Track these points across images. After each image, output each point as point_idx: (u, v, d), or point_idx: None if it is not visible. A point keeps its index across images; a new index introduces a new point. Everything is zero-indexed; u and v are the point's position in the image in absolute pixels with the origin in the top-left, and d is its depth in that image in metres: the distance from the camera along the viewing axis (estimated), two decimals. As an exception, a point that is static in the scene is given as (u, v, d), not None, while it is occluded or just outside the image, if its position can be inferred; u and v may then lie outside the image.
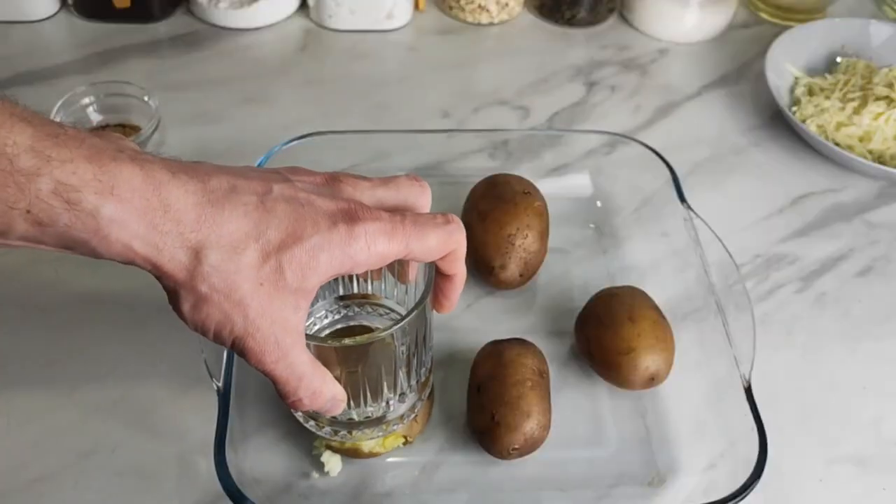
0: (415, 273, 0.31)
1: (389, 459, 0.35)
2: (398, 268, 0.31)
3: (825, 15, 0.63)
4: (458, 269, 0.28)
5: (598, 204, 0.47)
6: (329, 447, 0.34)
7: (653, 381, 0.37)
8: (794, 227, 0.48)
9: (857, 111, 0.51)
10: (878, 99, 0.51)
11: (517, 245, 0.40)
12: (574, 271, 0.44)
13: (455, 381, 0.38)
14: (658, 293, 0.39)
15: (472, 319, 0.41)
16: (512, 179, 0.42)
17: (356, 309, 0.33)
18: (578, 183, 0.47)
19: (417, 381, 0.32)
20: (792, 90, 0.55)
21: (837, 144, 0.51)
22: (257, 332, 0.24)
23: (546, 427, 0.34)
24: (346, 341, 0.27)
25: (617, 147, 0.46)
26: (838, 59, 0.57)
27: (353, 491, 0.35)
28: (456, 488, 0.35)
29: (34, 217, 0.21)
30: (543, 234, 0.41)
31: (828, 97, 0.53)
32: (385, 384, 0.30)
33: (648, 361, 0.36)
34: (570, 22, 0.62)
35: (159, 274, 0.24)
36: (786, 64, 0.55)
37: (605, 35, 0.62)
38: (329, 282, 0.25)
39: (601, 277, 0.43)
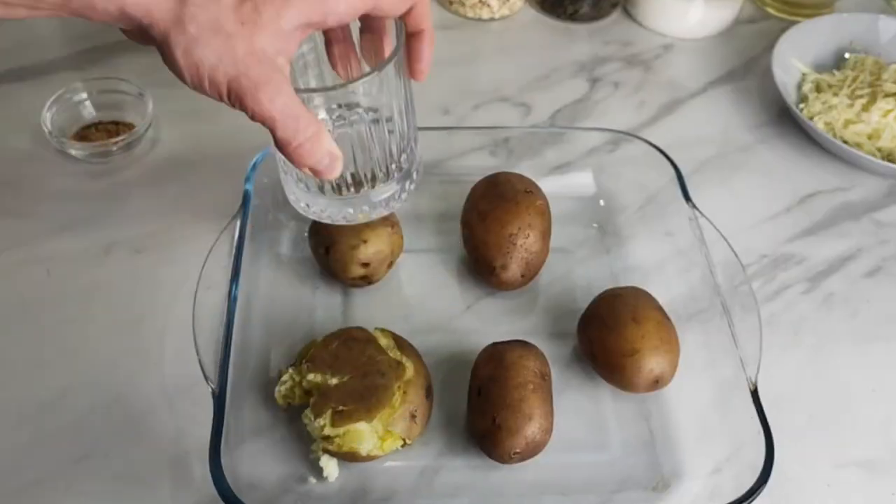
0: (390, 49, 0.31)
1: (388, 463, 0.35)
2: (373, 51, 0.32)
3: (833, 10, 0.62)
4: (426, 24, 0.30)
5: (602, 203, 0.46)
6: (326, 451, 0.34)
7: (657, 383, 0.36)
8: (801, 227, 0.47)
9: (865, 108, 0.50)
10: (887, 96, 0.50)
11: (518, 245, 0.39)
12: (577, 271, 0.43)
13: (455, 383, 0.37)
14: (662, 294, 0.39)
15: (472, 320, 0.41)
16: (513, 178, 0.42)
17: (348, 114, 0.33)
18: (581, 181, 0.46)
19: (401, 162, 0.33)
20: (799, 87, 0.54)
21: (845, 142, 0.50)
22: (249, 70, 0.25)
23: (548, 430, 0.34)
24: (335, 84, 0.29)
25: (620, 145, 0.45)
26: (846, 56, 0.56)
27: (351, 496, 0.34)
28: (456, 493, 0.34)
29: None
30: (545, 234, 0.41)
31: (836, 94, 0.52)
32: (373, 154, 0.31)
33: (653, 363, 0.35)
34: (573, 17, 0.61)
35: (149, 21, 0.25)
36: (793, 60, 0.54)
37: (608, 30, 0.61)
38: (317, 81, 0.28)
39: (604, 278, 0.43)
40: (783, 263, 0.45)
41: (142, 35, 0.26)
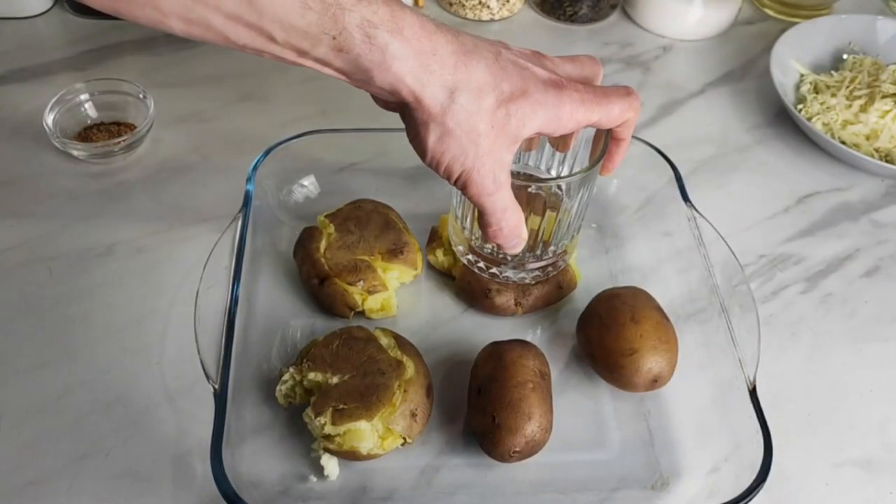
0: (574, 145, 0.36)
1: (388, 462, 0.35)
2: (560, 140, 0.36)
3: (831, 11, 0.62)
4: (629, 135, 0.34)
5: (601, 203, 0.46)
6: (327, 449, 0.34)
7: (656, 382, 0.36)
8: (799, 227, 0.47)
9: (863, 109, 0.50)
10: (885, 96, 0.50)
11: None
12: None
13: (455, 382, 0.37)
14: (661, 293, 0.39)
15: (472, 320, 0.41)
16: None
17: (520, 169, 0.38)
18: (580, 181, 0.46)
19: (572, 233, 0.37)
20: (797, 88, 0.55)
21: (843, 143, 0.50)
22: (483, 167, 0.29)
23: (547, 429, 0.34)
24: (548, 181, 0.35)
25: (619, 145, 0.45)
26: (845, 56, 0.56)
27: (352, 494, 0.34)
28: (456, 491, 0.34)
29: (338, 44, 0.26)
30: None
31: (834, 95, 0.52)
32: (555, 228, 0.36)
33: (651, 363, 0.35)
34: (572, 18, 0.61)
35: (418, 107, 0.28)
36: (791, 61, 0.55)
37: (607, 32, 0.61)
38: None
39: (603, 277, 0.43)
40: (781, 263, 0.45)
41: (398, 108, 0.30)
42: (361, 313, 0.40)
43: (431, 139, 0.28)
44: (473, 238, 0.37)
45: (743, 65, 0.59)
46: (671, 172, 0.42)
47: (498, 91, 0.28)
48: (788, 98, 0.52)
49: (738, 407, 0.34)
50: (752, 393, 0.34)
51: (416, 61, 0.27)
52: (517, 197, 0.31)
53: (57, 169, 0.47)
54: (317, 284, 0.40)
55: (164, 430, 0.36)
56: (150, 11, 0.25)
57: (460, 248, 0.39)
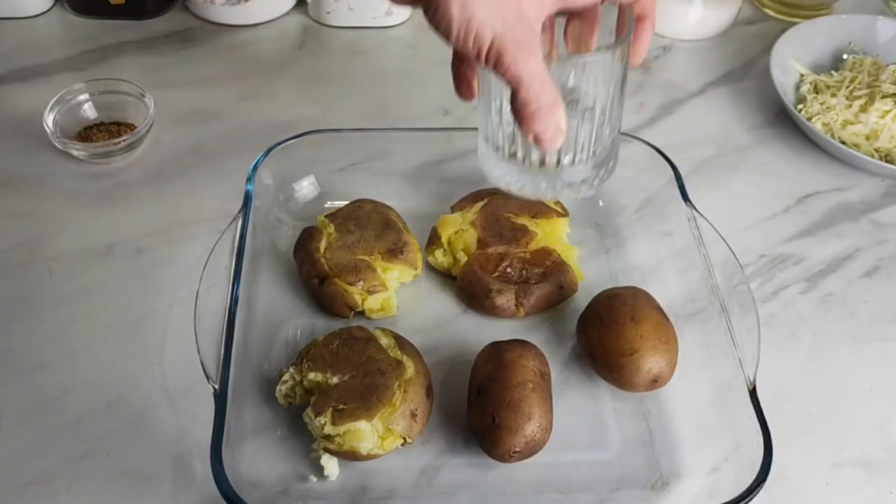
0: (595, 42, 0.33)
1: (388, 462, 0.35)
2: (578, 38, 0.33)
3: (831, 11, 0.62)
4: (652, 12, 0.31)
5: (601, 203, 0.46)
6: (327, 450, 0.34)
7: (656, 382, 0.36)
8: (799, 227, 0.47)
9: (863, 109, 0.50)
10: (885, 97, 0.50)
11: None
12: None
13: (455, 382, 0.37)
14: (661, 294, 0.39)
15: (472, 320, 0.41)
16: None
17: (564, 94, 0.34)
18: (580, 181, 0.46)
19: (604, 146, 0.33)
20: (797, 88, 0.55)
21: (843, 143, 0.50)
22: (514, 30, 0.27)
23: (547, 429, 0.34)
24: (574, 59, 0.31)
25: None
26: (845, 57, 0.56)
27: (352, 494, 0.34)
28: (456, 491, 0.34)
29: None
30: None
31: (834, 95, 0.52)
32: (584, 131, 0.31)
33: (651, 363, 0.35)
34: (572, 18, 0.61)
35: None
36: (791, 61, 0.55)
37: (607, 31, 0.61)
38: None
39: (603, 277, 0.43)
40: (781, 263, 0.45)
41: None
42: (361, 313, 0.40)
43: (455, 7, 0.26)
44: (509, 145, 0.33)
45: (743, 65, 0.59)
46: (671, 172, 0.42)
47: None
48: (788, 98, 0.52)
49: (738, 407, 0.34)
50: (752, 393, 0.34)
51: None
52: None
53: (57, 169, 0.47)
54: (317, 284, 0.40)
55: (165, 430, 0.36)
56: None
57: (493, 166, 0.34)
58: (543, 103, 0.28)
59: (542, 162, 0.32)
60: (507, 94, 0.28)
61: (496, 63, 0.27)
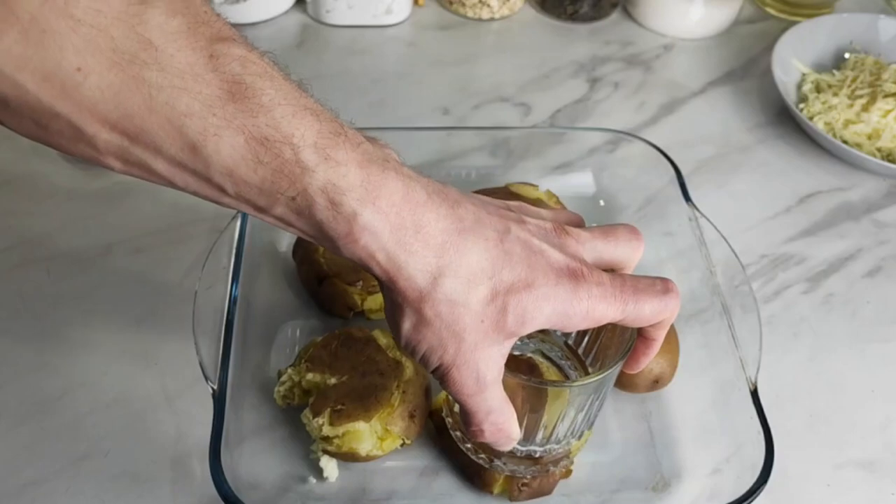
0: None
1: (388, 464, 0.35)
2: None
3: (833, 10, 0.62)
4: (660, 336, 0.28)
5: (601, 203, 0.46)
6: (326, 451, 0.34)
7: (657, 383, 0.36)
8: (801, 227, 0.47)
9: (865, 108, 0.50)
10: (886, 96, 0.50)
11: None
12: (576, 271, 0.43)
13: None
14: (662, 294, 0.38)
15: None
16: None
17: (524, 338, 0.32)
18: (581, 181, 0.46)
19: (582, 431, 0.32)
20: (799, 87, 0.54)
21: (845, 142, 0.50)
22: (464, 366, 0.24)
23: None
24: (550, 382, 0.28)
25: (620, 145, 0.45)
26: (846, 56, 0.56)
27: (351, 496, 0.34)
28: (455, 493, 0.34)
29: (296, 205, 0.22)
30: None
31: (836, 94, 0.52)
32: (557, 428, 0.30)
33: (652, 364, 0.35)
34: (573, 17, 0.61)
35: (392, 288, 0.24)
36: (793, 60, 0.54)
37: (608, 30, 0.61)
38: None
39: (604, 278, 0.43)
40: (783, 264, 0.45)
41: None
42: (361, 313, 0.40)
43: (406, 325, 0.24)
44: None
45: (744, 64, 0.58)
46: (672, 172, 0.42)
47: (496, 280, 0.23)
48: (790, 97, 0.52)
49: (740, 408, 0.34)
50: (754, 394, 0.33)
51: (391, 238, 0.22)
52: (512, 391, 0.26)
53: (55, 169, 0.47)
54: (316, 284, 0.39)
55: (163, 431, 0.36)
56: (83, 147, 0.20)
57: (457, 433, 0.33)
58: (486, 427, 0.26)
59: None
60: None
61: (441, 385, 0.25)
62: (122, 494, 0.34)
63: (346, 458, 0.34)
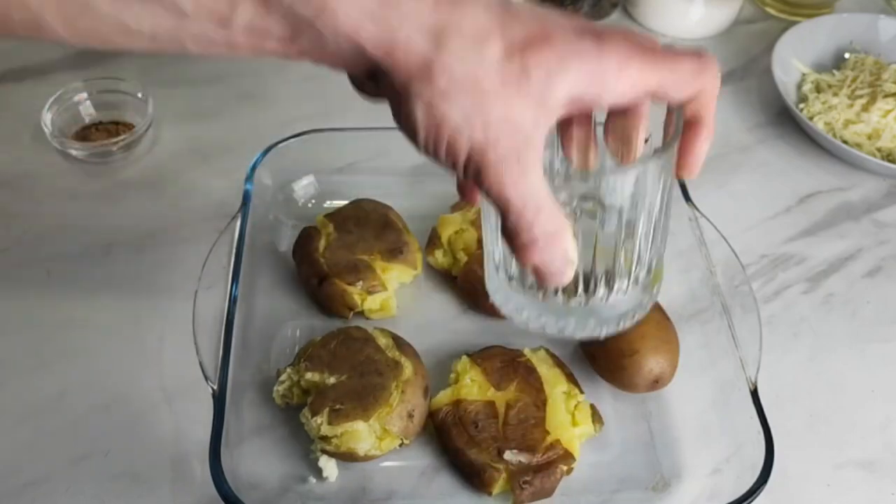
0: (641, 139, 0.25)
1: (387, 463, 0.35)
2: (621, 140, 0.25)
3: (833, 10, 0.62)
4: (709, 113, 0.23)
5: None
6: (325, 450, 0.34)
7: (657, 383, 0.36)
8: (801, 227, 0.47)
9: (865, 108, 0.50)
10: (886, 96, 0.50)
11: None
12: (576, 271, 0.43)
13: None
14: (662, 294, 0.38)
15: (472, 321, 0.41)
16: None
17: (584, 205, 0.25)
18: (581, 181, 0.46)
19: (649, 270, 0.26)
20: (799, 87, 0.54)
21: (845, 142, 0.50)
22: (499, 142, 0.20)
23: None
24: (590, 171, 0.23)
25: (620, 144, 0.45)
26: (846, 56, 0.56)
27: (352, 495, 0.34)
28: (455, 493, 0.34)
29: None
30: None
31: (836, 94, 0.52)
32: (617, 257, 0.25)
33: (652, 364, 0.35)
34: (573, 17, 0.61)
35: (393, 67, 0.20)
36: (793, 60, 0.54)
37: (608, 30, 0.61)
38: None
39: (604, 277, 0.43)
40: (783, 264, 0.45)
41: (374, 82, 0.21)
42: (361, 313, 0.40)
43: (419, 108, 0.20)
44: (523, 273, 0.25)
45: (744, 64, 0.58)
46: (672, 172, 0.42)
47: (508, 36, 0.20)
48: (790, 97, 0.52)
49: (740, 408, 0.34)
50: (754, 394, 0.33)
51: None
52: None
53: (55, 169, 0.47)
54: (316, 284, 0.39)
55: (163, 430, 0.36)
56: (19, 12, 0.18)
57: (492, 287, 0.27)
58: (539, 233, 0.21)
59: (568, 293, 0.25)
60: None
61: (476, 181, 0.21)
62: (122, 494, 0.34)
63: (345, 457, 0.34)
